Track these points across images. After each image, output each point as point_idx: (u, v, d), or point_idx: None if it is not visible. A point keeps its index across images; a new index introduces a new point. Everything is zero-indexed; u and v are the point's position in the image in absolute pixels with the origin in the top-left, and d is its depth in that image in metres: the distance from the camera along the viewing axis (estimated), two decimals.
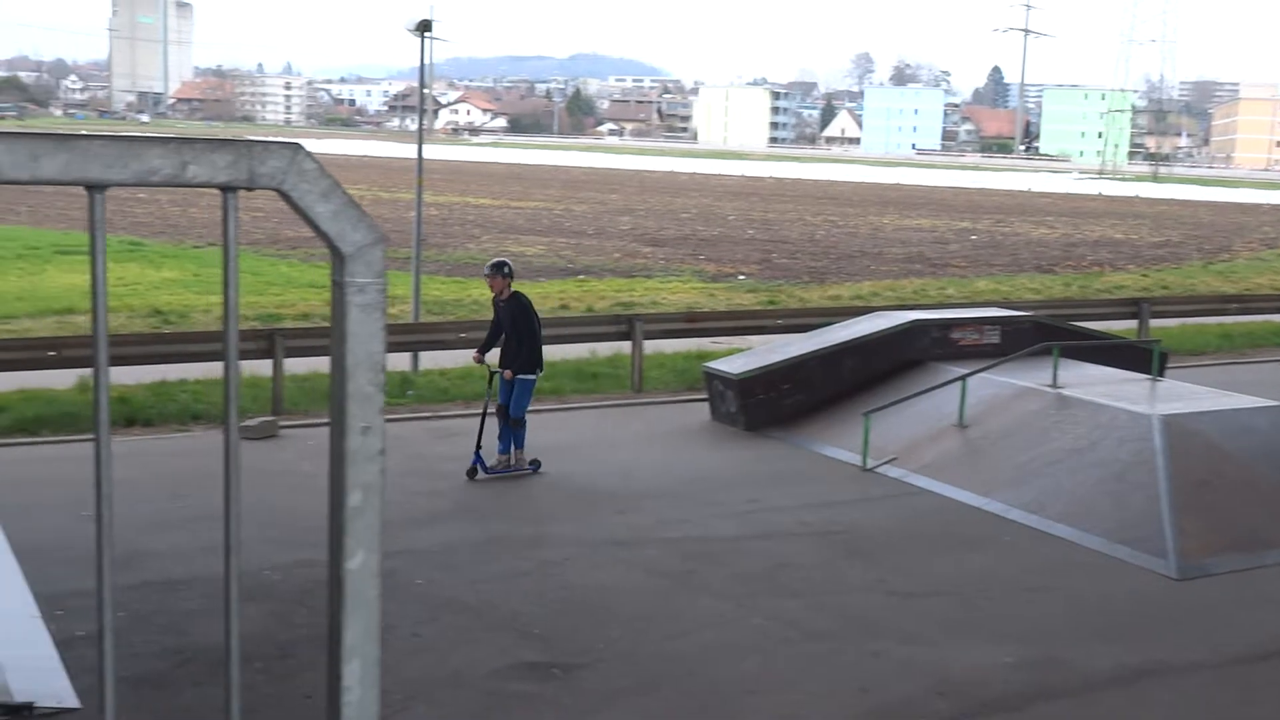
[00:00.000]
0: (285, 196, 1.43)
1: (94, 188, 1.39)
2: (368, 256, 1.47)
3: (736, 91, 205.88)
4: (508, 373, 11.37)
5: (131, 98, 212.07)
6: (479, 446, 11.32)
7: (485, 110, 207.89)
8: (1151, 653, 7.94)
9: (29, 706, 6.46)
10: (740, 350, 15.69)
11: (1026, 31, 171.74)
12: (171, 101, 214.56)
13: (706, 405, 14.27)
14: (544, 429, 13.48)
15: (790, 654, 7.75)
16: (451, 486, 11.10)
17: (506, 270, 11.65)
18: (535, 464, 11.68)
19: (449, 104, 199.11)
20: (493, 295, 11.81)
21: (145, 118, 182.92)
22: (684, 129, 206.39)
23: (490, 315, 12.29)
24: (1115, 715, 7.13)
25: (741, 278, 28.46)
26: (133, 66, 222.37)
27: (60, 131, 1.40)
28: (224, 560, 1.60)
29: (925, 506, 10.98)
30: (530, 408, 11.83)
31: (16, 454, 11.97)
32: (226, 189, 1.44)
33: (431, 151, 22.06)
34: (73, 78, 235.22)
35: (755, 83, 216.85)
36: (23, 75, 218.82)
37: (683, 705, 7.02)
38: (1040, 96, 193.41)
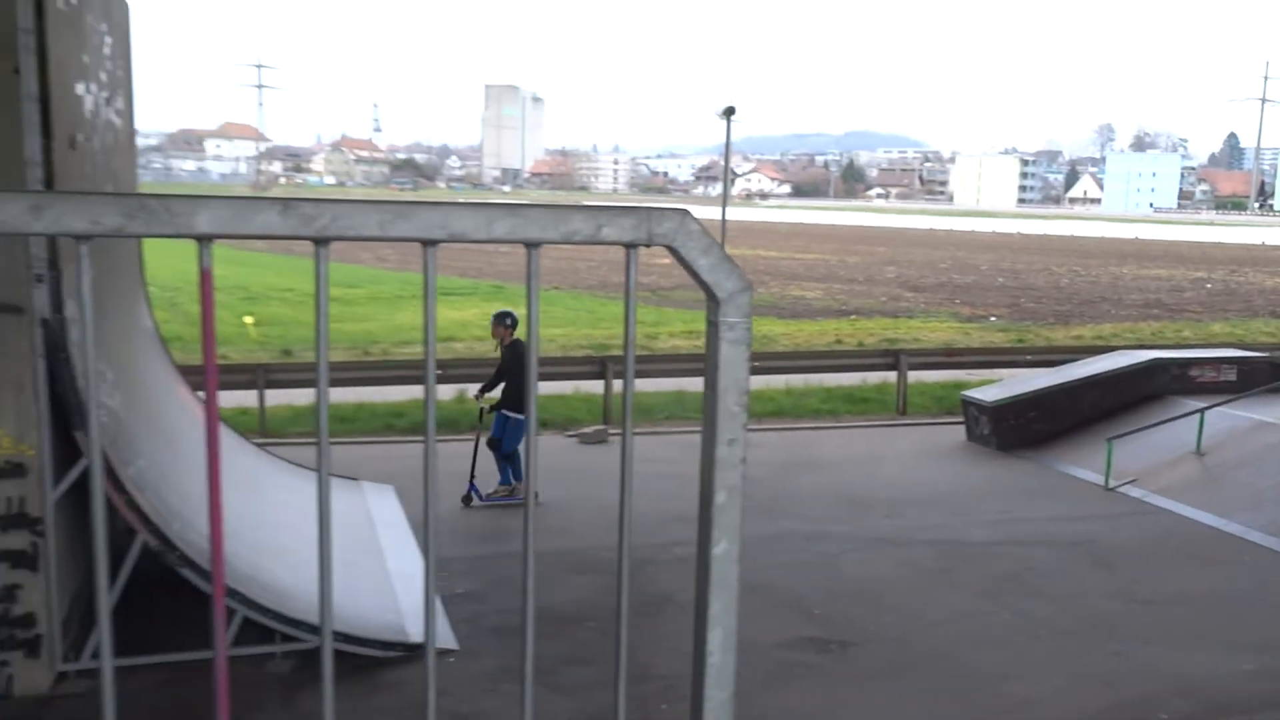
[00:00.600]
0: (674, 252, 1.50)
1: (531, 245, 1.49)
2: (738, 300, 1.52)
3: (989, 159, 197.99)
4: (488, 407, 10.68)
5: (497, 173, 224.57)
6: (473, 476, 10.45)
7: (773, 179, 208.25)
8: None
9: (419, 646, 6.90)
10: (993, 381, 15.05)
11: (1264, 100, 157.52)
12: (527, 175, 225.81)
13: (963, 428, 13.77)
14: (822, 444, 13.38)
15: (1038, 648, 7.34)
16: (748, 489, 11.11)
17: (509, 321, 10.73)
18: (535, 495, 10.69)
19: (743, 174, 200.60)
20: (497, 342, 10.85)
21: (507, 189, 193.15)
22: (942, 192, 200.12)
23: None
24: None
25: (993, 319, 27.32)
26: (498, 148, 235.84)
27: (451, 200, 1.51)
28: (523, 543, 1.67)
29: (1165, 524, 10.19)
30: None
31: (411, 449, 12.83)
32: (629, 246, 1.52)
33: (730, 213, 22.32)
34: (453, 158, 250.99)
35: (1006, 151, 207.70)
36: (417, 156, 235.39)
37: (941, 685, 6.78)
38: (1276, 159, 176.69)
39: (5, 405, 5.98)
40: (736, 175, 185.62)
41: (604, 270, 34.61)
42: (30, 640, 6.15)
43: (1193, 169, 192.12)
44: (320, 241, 1.39)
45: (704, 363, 1.59)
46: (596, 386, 14.76)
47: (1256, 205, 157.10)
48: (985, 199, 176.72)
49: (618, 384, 14.87)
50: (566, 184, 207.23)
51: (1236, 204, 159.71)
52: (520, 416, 10.27)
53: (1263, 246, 69.25)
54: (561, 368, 15.33)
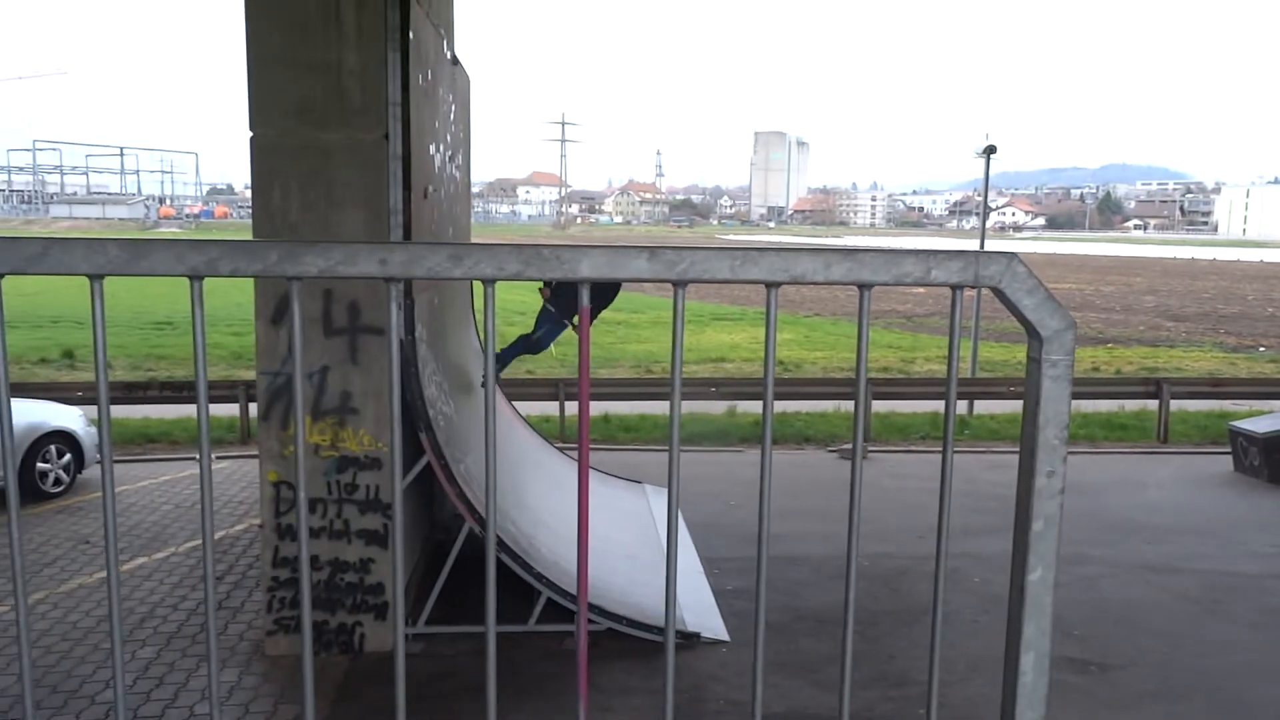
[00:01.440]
0: (999, 294, 1.44)
1: (864, 286, 1.48)
2: (1061, 339, 1.45)
3: (1257, 189, 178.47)
4: None
5: (763, 210, 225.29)
6: None
7: (1027, 212, 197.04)
8: None
9: (696, 635, 6.98)
10: (1262, 413, 13.52)
11: None
12: (790, 213, 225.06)
13: (1229, 458, 12.44)
14: (1082, 470, 12.47)
15: None
16: (999, 506, 10.53)
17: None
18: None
19: (998, 208, 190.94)
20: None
21: (772, 225, 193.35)
22: (1204, 223, 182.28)
23: None
24: None
25: (1262, 350, 24.55)
26: (765, 188, 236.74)
27: (824, 248, 1.51)
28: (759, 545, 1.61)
29: None
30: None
31: (687, 457, 13.01)
32: (956, 288, 1.48)
33: (986, 245, 21.30)
34: (725, 198, 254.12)
35: (1277, 180, 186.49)
36: (693, 197, 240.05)
37: (1206, 712, 6.14)
38: None
39: (368, 410, 6.61)
40: (991, 209, 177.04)
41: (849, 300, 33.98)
42: (379, 605, 6.74)
43: None
44: (679, 284, 1.44)
45: (1023, 396, 1.52)
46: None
47: None
48: (1252, 229, 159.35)
49: (878, 404, 14.51)
50: (827, 220, 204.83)
51: None
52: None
53: None
54: (821, 388, 15.14)
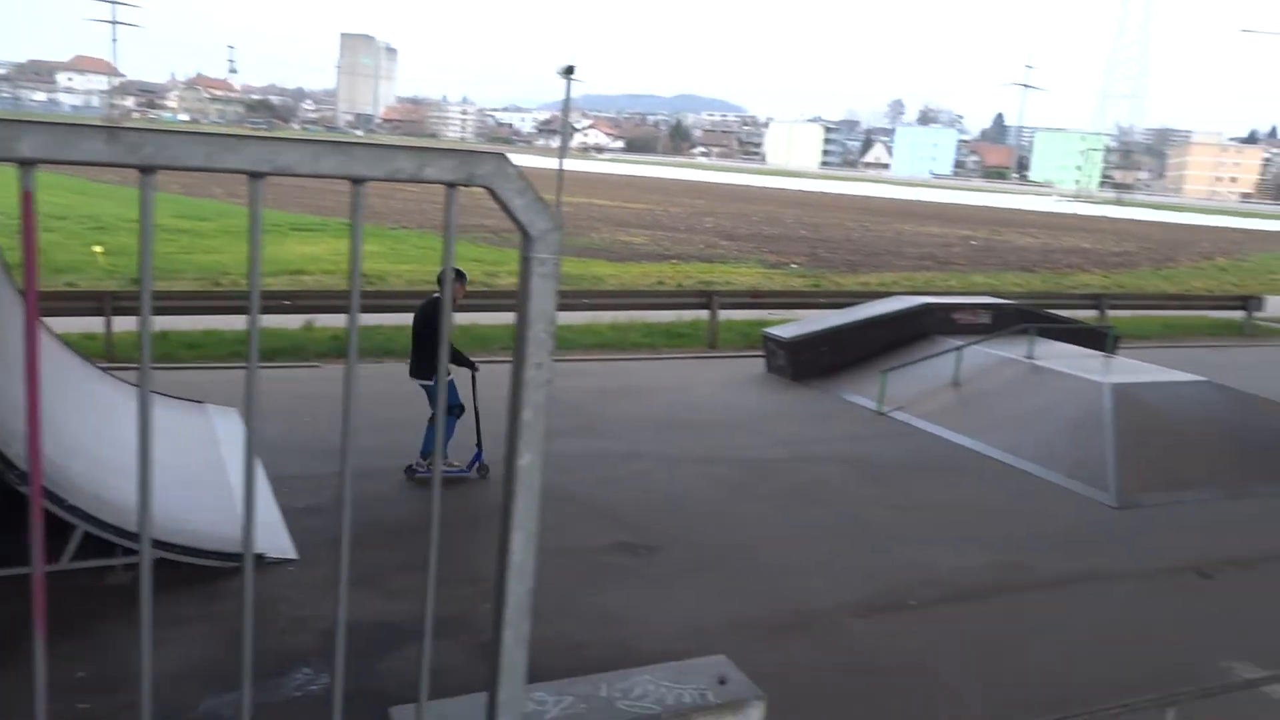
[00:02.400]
0: (492, 193, 1.49)
1: (356, 181, 1.46)
2: (548, 239, 1.53)
3: (798, 126, 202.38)
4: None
5: (350, 117, 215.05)
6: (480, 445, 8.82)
7: (609, 134, 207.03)
8: (1092, 562, 7.82)
9: (260, 556, 6.72)
10: (791, 320, 15.58)
11: (1025, 86, 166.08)
12: (379, 121, 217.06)
13: (763, 361, 14.22)
14: (641, 374, 13.58)
15: (817, 548, 7.76)
16: (574, 412, 11.20)
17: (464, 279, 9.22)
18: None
19: (581, 129, 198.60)
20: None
21: (360, 133, 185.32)
22: (757, 153, 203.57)
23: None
24: (1058, 606, 7.03)
25: (794, 266, 28.16)
26: (352, 94, 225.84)
27: (312, 138, 1.47)
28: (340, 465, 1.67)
29: (926, 443, 10.87)
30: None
31: (265, 373, 12.33)
32: (450, 185, 1.51)
33: (567, 164, 22.10)
34: (308, 101, 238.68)
35: (813, 119, 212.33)
36: (273, 98, 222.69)
37: (735, 579, 7.09)
38: (1033, 136, 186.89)
39: None
40: (575, 130, 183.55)
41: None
42: None
43: (966, 141, 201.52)
44: (146, 170, 1.32)
45: (516, 294, 1.60)
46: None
47: (1016, 176, 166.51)
48: (793, 161, 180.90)
49: (466, 316, 14.63)
50: (417, 131, 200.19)
51: (1000, 174, 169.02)
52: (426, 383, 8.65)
53: (1018, 211, 73.55)
54: (405, 300, 14.96)
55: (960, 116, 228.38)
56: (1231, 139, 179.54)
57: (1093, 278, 30.59)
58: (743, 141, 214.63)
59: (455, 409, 8.58)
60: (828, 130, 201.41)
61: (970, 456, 10.42)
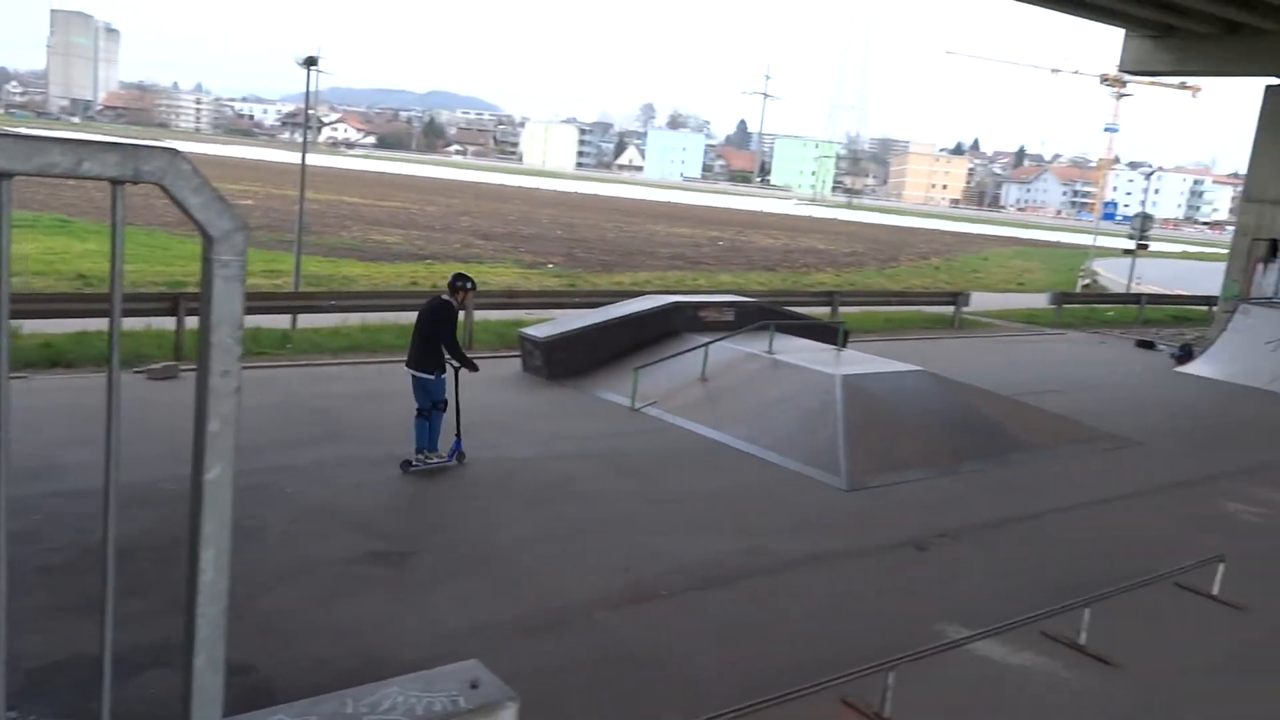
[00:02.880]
0: (165, 190, 1.38)
1: (2, 176, 1.31)
2: (232, 239, 1.44)
3: (554, 127, 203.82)
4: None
5: (65, 103, 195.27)
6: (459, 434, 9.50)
7: (359, 129, 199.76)
8: (826, 542, 8.37)
9: None
10: (547, 320, 15.66)
11: (765, 95, 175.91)
12: (100, 108, 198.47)
13: (519, 361, 14.21)
14: (394, 377, 13.17)
15: (573, 544, 7.85)
16: (321, 419, 10.74)
17: (469, 285, 9.81)
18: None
19: (330, 123, 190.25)
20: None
21: (76, 120, 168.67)
22: (513, 152, 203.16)
23: None
24: (797, 585, 7.48)
25: (550, 266, 28.36)
26: (66, 77, 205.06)
27: None
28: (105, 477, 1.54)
29: (676, 437, 11.24)
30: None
31: None
32: (115, 182, 1.38)
33: (314, 160, 21.16)
34: (14, 83, 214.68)
35: (568, 121, 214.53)
36: None
37: (489, 582, 7.04)
38: (773, 143, 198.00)
39: None
40: (323, 124, 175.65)
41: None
42: None
43: (713, 146, 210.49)
44: None
45: (199, 298, 1.49)
46: (169, 323, 13.45)
47: (759, 180, 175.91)
48: (549, 161, 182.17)
49: (190, 321, 13.64)
50: (144, 120, 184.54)
51: (744, 178, 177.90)
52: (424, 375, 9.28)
53: (762, 214, 77.76)
54: (133, 304, 13.78)
55: (708, 122, 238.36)
56: (942, 150, 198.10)
57: (827, 276, 32.81)
58: (499, 140, 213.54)
59: (440, 404, 9.29)
60: (582, 132, 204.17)
61: (718, 448, 10.88)
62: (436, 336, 9.25)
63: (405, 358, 9.63)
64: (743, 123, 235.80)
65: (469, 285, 9.74)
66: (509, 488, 9.06)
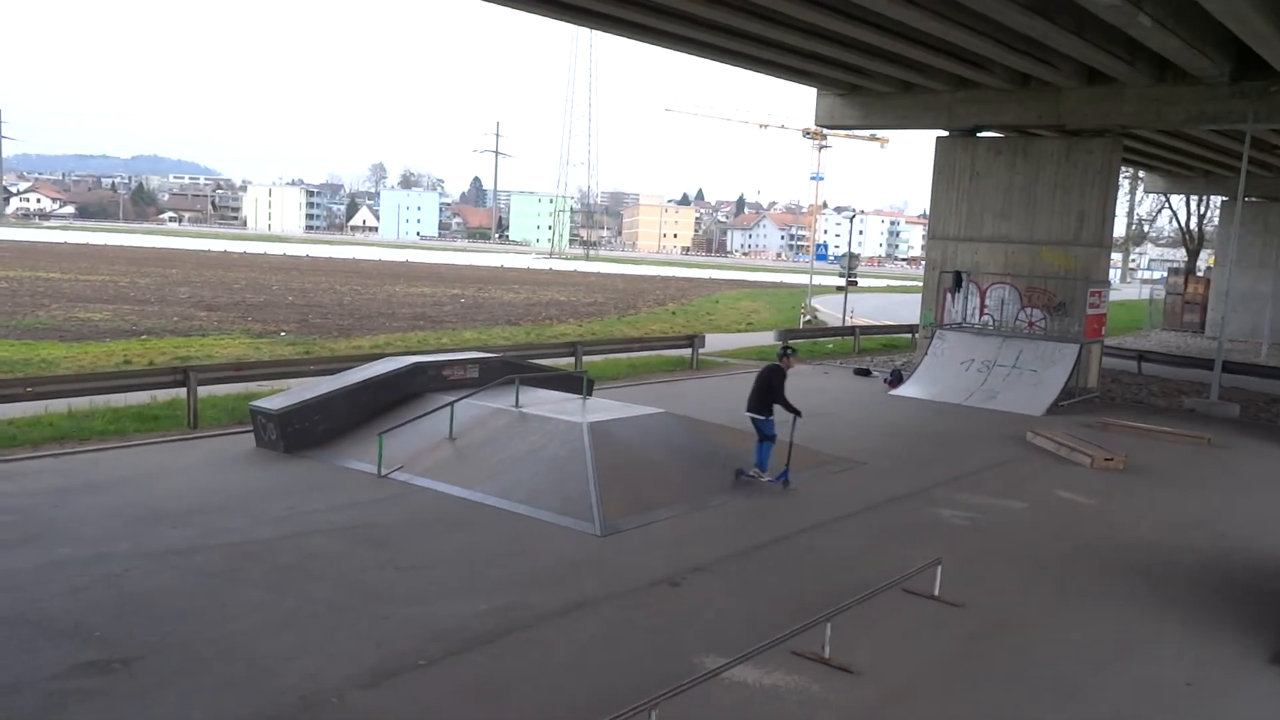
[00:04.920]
0: None
1: None
2: None
3: (279, 189, 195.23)
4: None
5: None
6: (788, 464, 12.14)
7: (54, 199, 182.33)
8: (584, 590, 8.38)
9: None
10: (281, 390, 14.84)
11: (497, 153, 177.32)
12: None
13: (253, 436, 13.36)
14: (108, 465, 11.99)
15: (318, 625, 7.40)
16: (21, 520, 9.54)
17: (794, 354, 13.03)
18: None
19: (19, 193, 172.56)
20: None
21: None
22: (235, 218, 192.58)
23: None
24: (558, 635, 7.43)
25: (283, 334, 26.98)
26: None
27: None
28: None
29: (425, 500, 10.92)
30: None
31: None
32: None
33: (3, 234, 19.00)
34: None
35: (293, 183, 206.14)
36: None
37: (226, 677, 6.49)
38: (509, 199, 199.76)
39: None
40: (11, 194, 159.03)
41: None
42: None
43: (449, 204, 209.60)
44: None
45: None
46: None
47: (497, 236, 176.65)
48: (276, 225, 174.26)
49: None
50: None
51: (482, 234, 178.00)
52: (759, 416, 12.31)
53: (503, 269, 77.97)
54: None
55: (441, 180, 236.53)
56: (670, 200, 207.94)
57: (570, 327, 33.31)
58: (218, 205, 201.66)
59: (770, 438, 12.24)
60: (310, 194, 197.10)
61: (469, 507, 10.67)
62: (770, 392, 12.22)
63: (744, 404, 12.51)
64: (477, 180, 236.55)
65: (793, 352, 12.91)
66: (244, 574, 8.42)
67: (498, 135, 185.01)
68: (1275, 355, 31.19)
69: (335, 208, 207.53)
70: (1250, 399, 22.14)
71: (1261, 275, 37.40)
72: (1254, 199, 37.92)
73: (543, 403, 13.24)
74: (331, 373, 15.53)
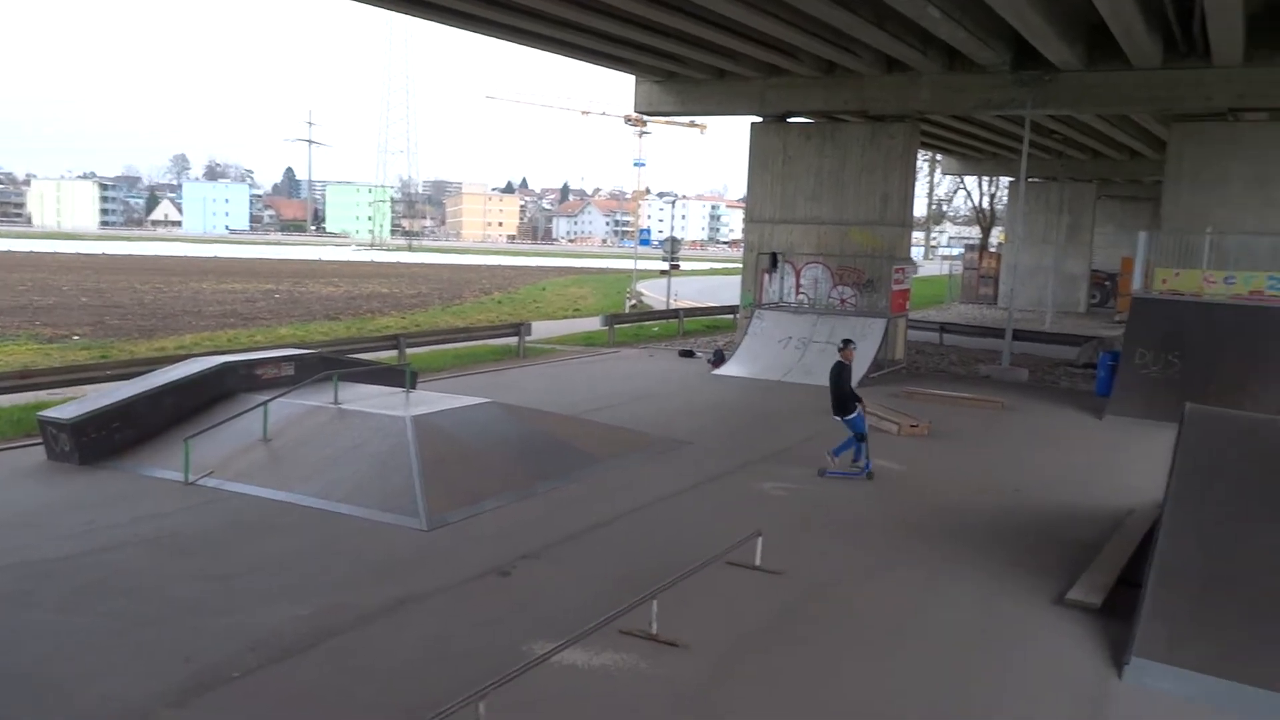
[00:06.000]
0: None
1: None
2: None
3: (67, 183, 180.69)
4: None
5: None
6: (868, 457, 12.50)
7: None
8: (410, 586, 8.23)
9: None
10: (75, 398, 13.81)
11: (310, 141, 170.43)
12: None
13: (44, 448, 12.37)
14: None
15: (122, 643, 6.95)
16: None
17: (852, 344, 12.93)
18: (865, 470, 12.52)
19: None
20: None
21: None
22: (19, 214, 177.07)
23: None
24: (384, 635, 7.27)
25: (76, 338, 25.08)
26: None
27: None
28: None
29: (238, 506, 10.41)
30: None
31: None
32: None
33: None
34: None
35: (85, 176, 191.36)
36: None
37: (19, 708, 6.01)
38: (324, 190, 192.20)
39: None
40: None
41: None
42: None
43: (260, 196, 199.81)
44: None
45: None
46: None
47: (313, 228, 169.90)
48: (66, 221, 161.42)
49: None
50: None
51: (297, 226, 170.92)
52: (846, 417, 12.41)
53: (320, 262, 75.13)
54: None
55: (250, 171, 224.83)
56: (494, 189, 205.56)
57: (392, 319, 32.48)
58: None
59: (862, 436, 12.47)
60: (104, 188, 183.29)
61: (287, 510, 10.26)
62: (841, 389, 12.37)
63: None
64: (290, 170, 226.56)
65: (852, 345, 12.86)
66: (38, 595, 7.81)
67: (310, 123, 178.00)
68: (1058, 323, 33.91)
69: (134, 201, 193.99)
70: (1037, 364, 24.00)
71: (1045, 250, 40.49)
72: (1036, 180, 41.00)
73: (363, 398, 12.86)
74: (132, 377, 14.56)
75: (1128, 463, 14.00)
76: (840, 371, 12.56)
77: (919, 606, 8.26)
